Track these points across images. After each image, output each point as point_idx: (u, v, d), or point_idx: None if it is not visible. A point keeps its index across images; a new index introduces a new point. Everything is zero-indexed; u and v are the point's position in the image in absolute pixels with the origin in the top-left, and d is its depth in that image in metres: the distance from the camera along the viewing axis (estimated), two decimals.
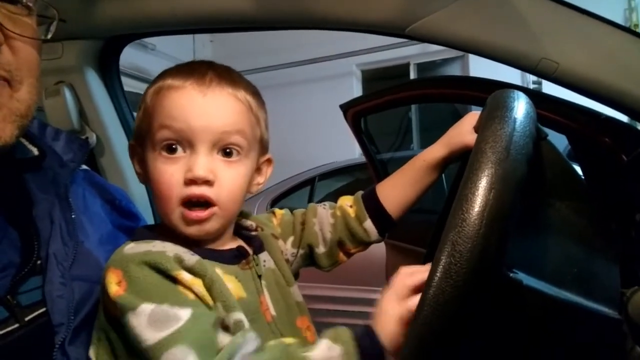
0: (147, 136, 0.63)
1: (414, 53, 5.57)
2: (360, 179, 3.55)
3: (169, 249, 0.58)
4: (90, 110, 1.21)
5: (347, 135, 1.95)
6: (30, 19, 0.60)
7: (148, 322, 0.53)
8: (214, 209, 0.61)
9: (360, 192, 0.79)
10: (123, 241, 0.74)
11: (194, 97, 0.60)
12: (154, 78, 0.67)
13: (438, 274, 0.45)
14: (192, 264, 0.57)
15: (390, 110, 1.77)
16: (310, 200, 3.38)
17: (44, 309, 0.59)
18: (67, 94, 1.18)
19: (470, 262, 0.45)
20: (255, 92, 0.67)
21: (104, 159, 1.24)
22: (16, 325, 0.57)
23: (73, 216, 0.67)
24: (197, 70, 0.63)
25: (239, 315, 0.59)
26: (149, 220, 1.25)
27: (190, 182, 0.60)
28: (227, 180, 0.62)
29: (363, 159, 2.17)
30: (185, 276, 0.56)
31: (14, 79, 0.57)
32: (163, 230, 0.65)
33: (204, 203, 0.61)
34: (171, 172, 0.60)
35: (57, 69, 1.17)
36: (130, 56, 5.27)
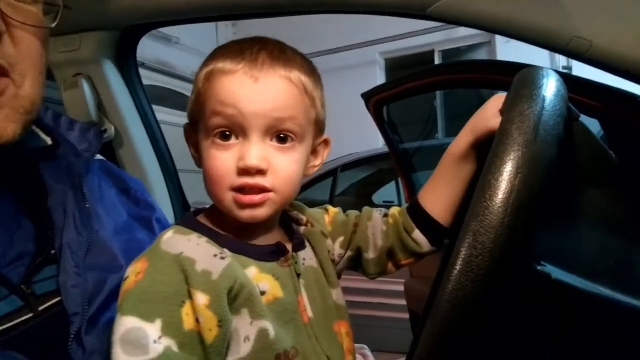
0: (200, 121, 0.62)
1: (438, 40, 5.47)
2: (383, 169, 3.52)
3: (200, 258, 0.56)
4: (109, 102, 1.21)
5: (370, 124, 1.91)
6: (35, 7, 0.58)
7: (121, 338, 0.53)
8: (269, 194, 0.60)
9: (405, 205, 0.76)
10: (138, 231, 0.75)
11: (245, 82, 0.58)
12: (207, 57, 0.64)
13: (458, 267, 0.42)
14: (219, 275, 0.55)
15: (415, 98, 1.73)
16: (332, 191, 3.37)
17: (58, 299, 0.59)
18: (86, 86, 1.18)
19: (493, 254, 0.42)
20: (310, 71, 0.64)
21: (122, 151, 1.24)
22: (30, 315, 0.57)
23: (87, 206, 0.67)
24: (248, 51, 0.60)
25: (265, 324, 0.57)
26: (167, 210, 1.25)
27: (243, 171, 0.58)
28: (281, 167, 0.60)
29: (387, 149, 2.14)
30: (199, 300, 0.54)
31: (15, 72, 0.56)
32: (213, 215, 0.64)
33: (259, 189, 0.59)
34: (224, 159, 0.59)
35: (75, 61, 1.17)
36: (154, 50, 5.37)
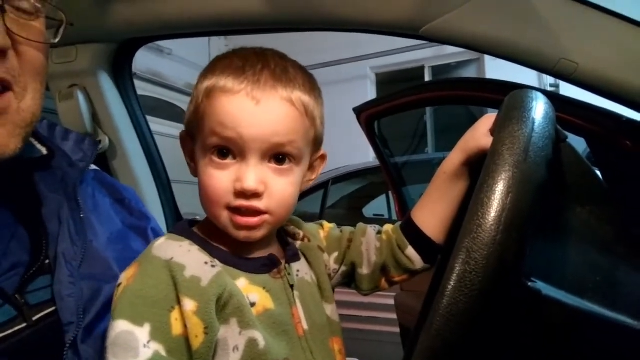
0: (197, 135, 0.62)
1: (428, 56, 5.54)
2: (374, 182, 3.53)
3: (190, 264, 0.56)
4: (103, 113, 1.21)
5: (361, 138, 1.93)
6: (38, 22, 0.59)
7: (112, 342, 0.53)
8: (265, 217, 0.60)
9: (399, 222, 0.76)
10: (133, 240, 0.75)
11: (246, 105, 0.57)
12: (207, 68, 0.63)
13: (452, 283, 0.43)
14: (208, 282, 0.55)
15: (405, 113, 1.75)
16: (323, 203, 3.37)
17: (52, 308, 0.59)
18: (81, 97, 1.18)
19: (486, 271, 0.43)
20: (311, 88, 0.63)
21: (116, 162, 1.24)
22: (24, 325, 0.56)
23: (82, 215, 0.67)
24: (250, 70, 0.59)
25: (254, 334, 0.57)
26: (159, 220, 1.25)
27: (240, 193, 0.58)
28: (277, 190, 0.59)
29: (377, 162, 2.16)
30: (187, 306, 0.54)
31: (18, 85, 0.57)
32: (207, 227, 0.64)
33: (254, 211, 0.59)
34: (220, 178, 0.59)
35: (70, 72, 1.18)
36: (147, 61, 5.36)
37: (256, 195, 0.58)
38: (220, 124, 0.58)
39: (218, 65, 0.62)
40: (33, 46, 0.58)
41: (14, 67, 0.56)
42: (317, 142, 0.66)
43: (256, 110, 0.58)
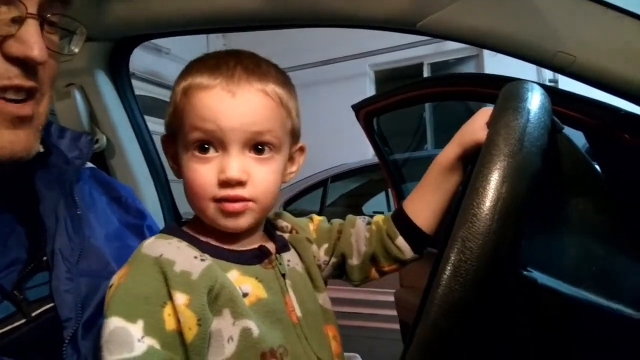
0: (178, 134, 0.64)
1: (427, 53, 5.54)
2: (373, 180, 3.54)
3: (180, 259, 0.57)
4: (101, 112, 1.21)
5: (360, 136, 1.93)
6: (56, 35, 0.62)
7: (107, 339, 0.54)
8: (249, 203, 0.61)
9: (390, 213, 0.77)
10: (130, 239, 0.75)
11: (222, 97, 0.60)
12: (183, 71, 0.66)
13: (447, 272, 0.43)
14: (198, 275, 0.56)
15: (404, 110, 1.75)
16: (323, 201, 3.37)
17: (51, 304, 0.60)
18: (78, 96, 1.19)
19: (481, 260, 0.43)
20: (284, 82, 0.65)
21: (114, 161, 1.24)
22: (23, 321, 0.57)
23: (79, 212, 0.68)
24: (224, 66, 0.61)
25: (248, 323, 0.58)
26: (158, 219, 1.25)
27: (224, 183, 0.60)
28: (260, 178, 0.61)
29: (376, 160, 2.16)
30: (178, 300, 0.55)
31: (40, 92, 0.60)
32: (195, 225, 0.65)
33: (240, 199, 0.61)
34: (204, 172, 0.60)
35: (67, 71, 1.18)
36: (145, 60, 5.37)
37: (240, 183, 0.60)
38: (199, 117, 0.60)
39: (193, 66, 0.64)
40: (54, 57, 0.61)
41: (42, 76, 0.59)
42: (294, 134, 0.68)
43: (233, 102, 0.60)
